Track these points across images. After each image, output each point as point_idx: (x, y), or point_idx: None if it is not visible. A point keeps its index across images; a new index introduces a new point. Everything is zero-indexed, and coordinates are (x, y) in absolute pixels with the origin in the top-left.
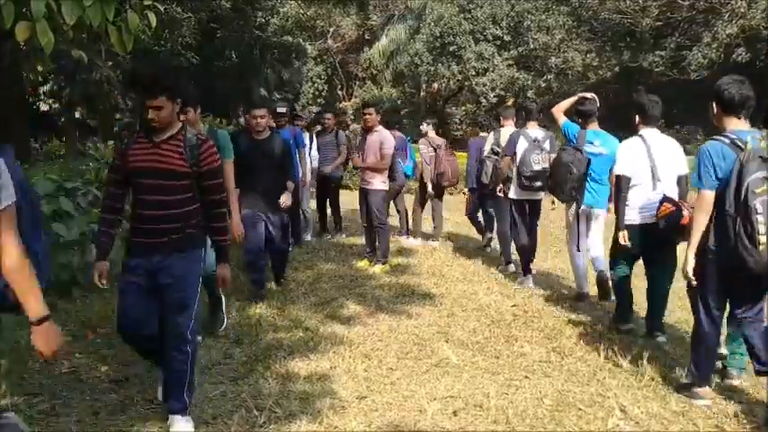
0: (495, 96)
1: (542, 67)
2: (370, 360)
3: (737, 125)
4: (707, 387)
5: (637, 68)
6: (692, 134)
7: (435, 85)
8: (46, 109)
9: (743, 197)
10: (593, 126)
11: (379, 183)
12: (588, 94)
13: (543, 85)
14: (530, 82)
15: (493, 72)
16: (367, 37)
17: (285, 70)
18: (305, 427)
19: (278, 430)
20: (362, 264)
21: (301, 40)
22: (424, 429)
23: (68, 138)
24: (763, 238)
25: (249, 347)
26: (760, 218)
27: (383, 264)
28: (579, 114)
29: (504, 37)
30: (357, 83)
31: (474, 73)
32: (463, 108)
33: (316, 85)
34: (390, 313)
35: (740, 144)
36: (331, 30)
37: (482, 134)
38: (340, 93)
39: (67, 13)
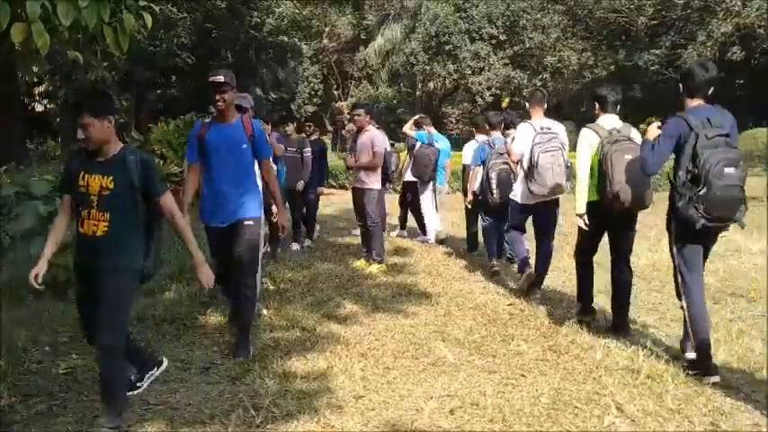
0: (490, 95)
1: (538, 66)
2: (366, 359)
3: (495, 134)
4: (494, 260)
5: (632, 67)
6: None
7: (431, 85)
8: (41, 110)
9: (489, 171)
10: (431, 130)
11: (372, 182)
12: (423, 115)
13: (539, 83)
14: (525, 81)
15: (488, 71)
16: (363, 36)
17: (281, 70)
18: (302, 427)
19: (275, 429)
20: (359, 263)
21: (297, 40)
22: (421, 428)
23: (64, 138)
24: (495, 191)
25: None
26: (493, 181)
27: (379, 263)
28: (418, 125)
29: (500, 36)
30: (353, 82)
31: (470, 72)
32: (459, 107)
33: (311, 84)
34: (387, 312)
35: (492, 144)
36: (326, 29)
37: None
38: (336, 92)
39: (63, 15)
